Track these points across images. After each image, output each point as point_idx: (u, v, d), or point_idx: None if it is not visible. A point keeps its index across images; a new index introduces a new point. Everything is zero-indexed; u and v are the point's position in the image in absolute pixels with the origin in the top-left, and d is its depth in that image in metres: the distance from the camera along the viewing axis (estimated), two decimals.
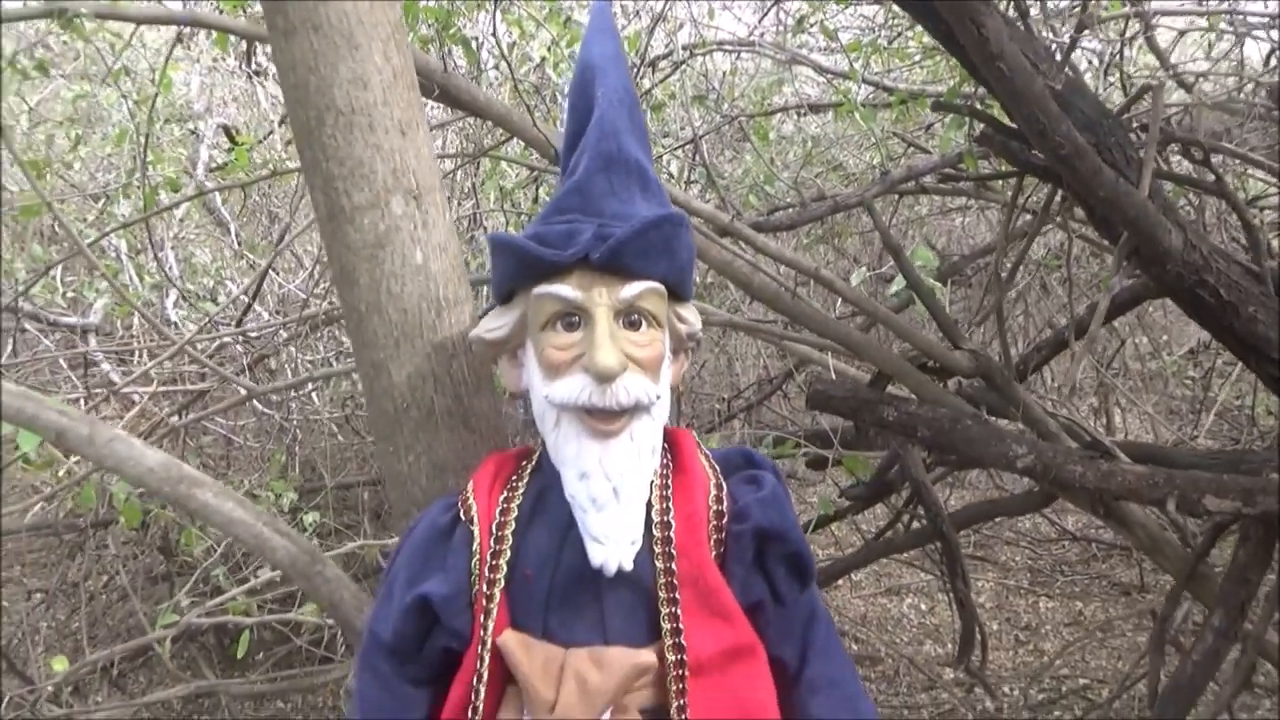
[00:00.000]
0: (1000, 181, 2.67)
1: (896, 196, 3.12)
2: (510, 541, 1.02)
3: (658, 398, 1.01)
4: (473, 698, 1.01)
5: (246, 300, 3.23)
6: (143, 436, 3.05)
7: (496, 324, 1.05)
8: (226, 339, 2.71)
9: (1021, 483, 4.00)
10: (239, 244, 3.86)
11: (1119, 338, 4.09)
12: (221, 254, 4.15)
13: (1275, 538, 1.55)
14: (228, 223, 4.12)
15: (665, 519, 1.02)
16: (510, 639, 1.00)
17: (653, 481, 1.03)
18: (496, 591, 1.01)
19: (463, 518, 1.05)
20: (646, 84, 3.06)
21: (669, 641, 1.00)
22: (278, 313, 3.19)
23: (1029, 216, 2.62)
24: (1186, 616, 2.95)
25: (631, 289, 0.99)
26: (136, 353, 3.28)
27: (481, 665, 1.00)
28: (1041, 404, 1.98)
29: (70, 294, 3.56)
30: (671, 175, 3.76)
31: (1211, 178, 1.60)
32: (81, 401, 3.13)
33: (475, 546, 1.03)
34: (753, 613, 1.05)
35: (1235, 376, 4.65)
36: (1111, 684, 3.86)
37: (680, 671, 0.99)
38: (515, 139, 2.17)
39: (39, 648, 3.60)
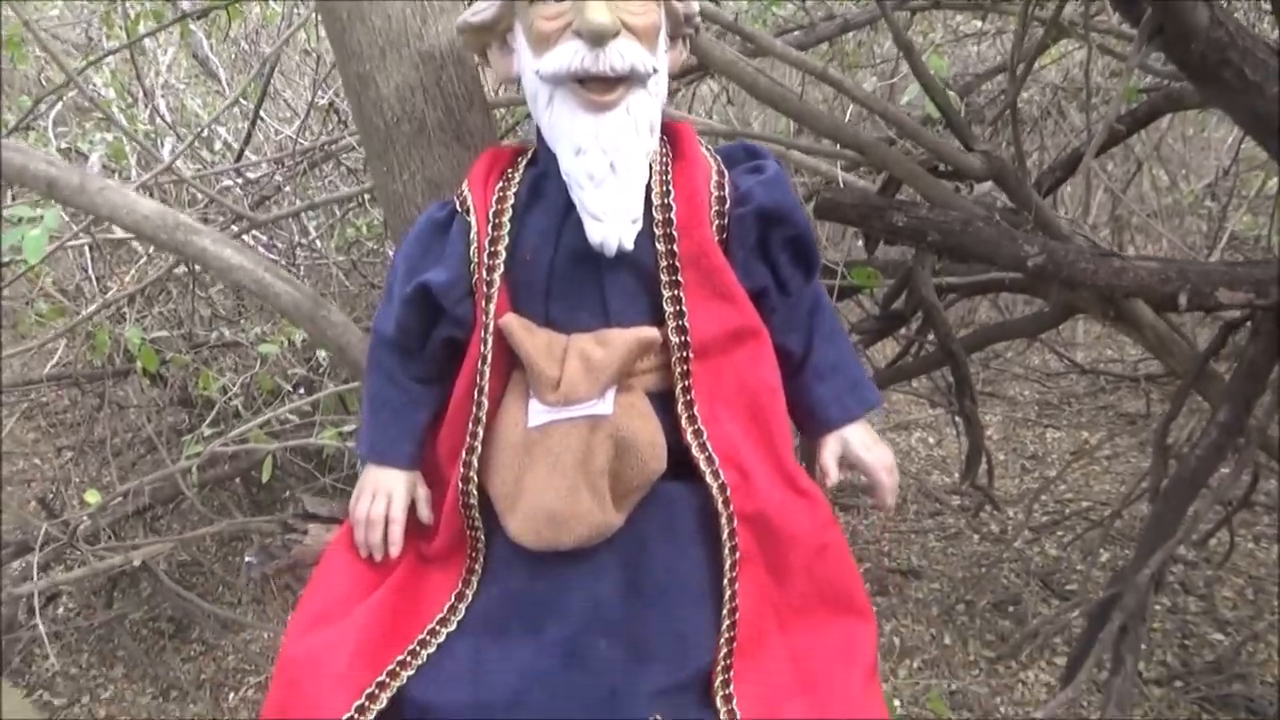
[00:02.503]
0: None
1: (909, 15, 2.98)
2: (508, 228, 1.02)
3: (654, 70, 0.97)
4: (477, 379, 1.02)
5: (239, 146, 3.16)
6: (138, 288, 3.05)
7: (483, 6, 1.01)
8: (226, 182, 2.67)
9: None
10: (229, 89, 3.75)
11: (1136, 161, 3.98)
12: (213, 103, 4.05)
13: None
14: (217, 71, 4.00)
15: (666, 201, 1.00)
16: (512, 320, 1.01)
17: (652, 165, 1.01)
18: (496, 277, 1.01)
19: (459, 209, 1.05)
20: None
21: (672, 324, 1.00)
22: (275, 163, 3.13)
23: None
24: (1190, 435, 3.00)
25: None
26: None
27: (485, 348, 1.01)
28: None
29: (64, 145, 3.49)
30: None
31: None
32: (87, 251, 3.12)
33: (473, 234, 1.03)
34: (756, 300, 1.05)
35: (1252, 207, 4.57)
36: (1114, 507, 3.97)
37: (684, 354, 1.00)
38: None
39: (73, 498, 3.72)
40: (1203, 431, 1.62)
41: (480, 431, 1.03)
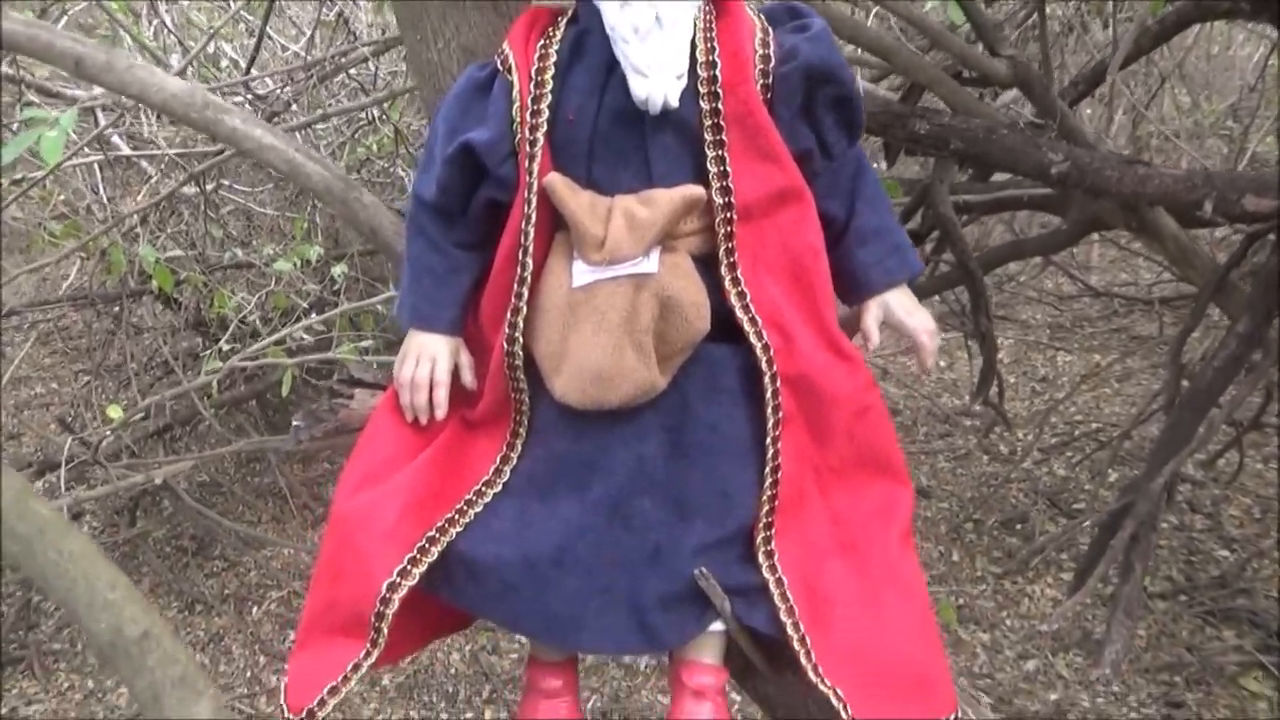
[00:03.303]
0: None
1: None
2: (550, 86, 1.01)
3: None
4: (522, 240, 1.02)
5: (246, 62, 3.11)
6: (158, 207, 3.04)
7: None
8: (236, 98, 2.64)
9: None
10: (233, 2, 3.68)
11: (1160, 77, 3.89)
12: (217, 17, 3.97)
13: None
14: None
15: (710, 58, 0.98)
16: (557, 179, 1.00)
17: (696, 21, 0.99)
18: (540, 136, 1.00)
19: (500, 69, 1.04)
20: None
21: (716, 185, 1.00)
22: (285, 77, 3.08)
23: None
24: (1204, 354, 3.00)
25: None
26: (145, 124, 3.20)
27: (529, 208, 1.01)
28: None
29: None
30: None
31: None
32: (97, 170, 3.10)
33: (515, 93, 1.02)
34: (800, 163, 1.04)
35: (1274, 129, 4.48)
36: (1124, 428, 3.99)
37: (728, 215, 1.00)
38: None
39: (92, 420, 3.76)
40: (1220, 343, 1.62)
41: (525, 293, 1.04)
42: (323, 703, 1.02)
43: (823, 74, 1.02)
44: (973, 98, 1.66)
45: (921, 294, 3.72)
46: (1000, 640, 3.19)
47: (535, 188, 1.01)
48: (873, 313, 1.11)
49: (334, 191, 1.31)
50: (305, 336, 2.45)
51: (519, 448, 1.07)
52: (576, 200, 0.99)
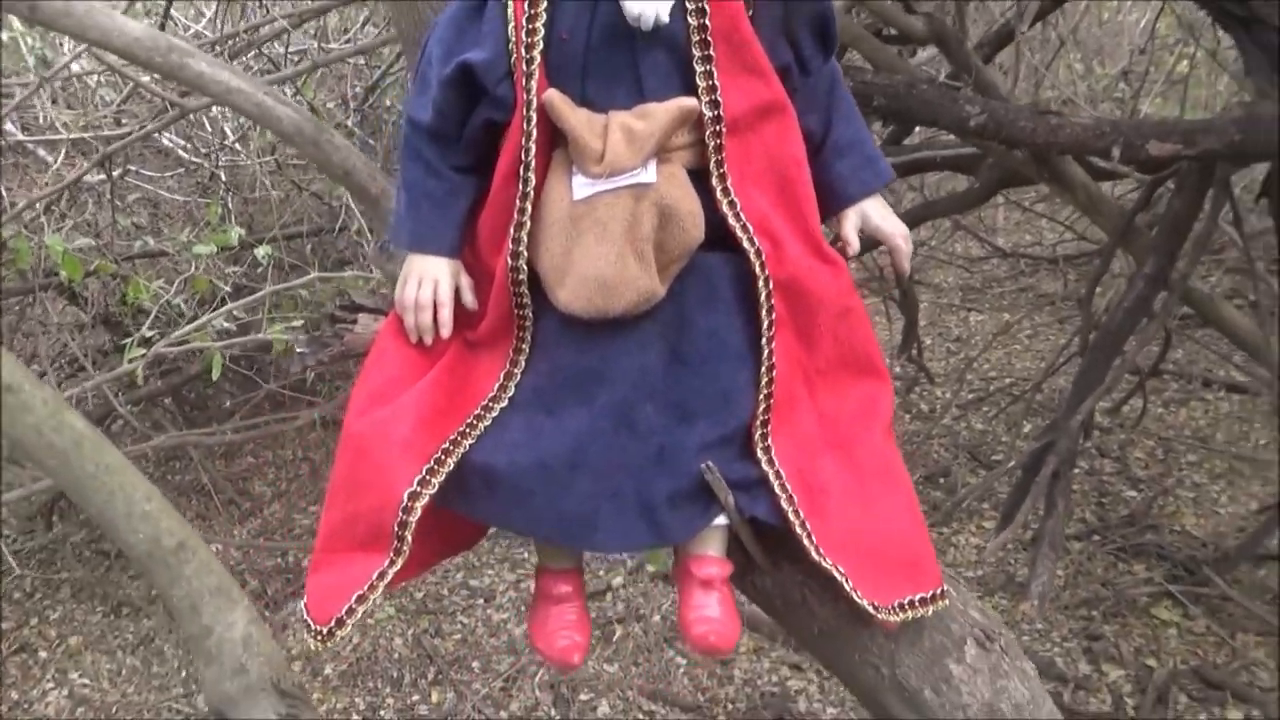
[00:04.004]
0: None
1: None
2: (544, 5, 1.03)
3: None
4: (523, 155, 1.05)
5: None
6: (66, 198, 2.91)
7: None
8: (144, 78, 2.54)
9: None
10: None
11: (1059, 40, 4.05)
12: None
13: (1209, 185, 1.63)
14: None
15: None
16: (555, 96, 1.03)
17: None
18: (536, 54, 1.03)
19: None
20: None
21: (705, 99, 1.03)
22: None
23: None
24: (1108, 305, 3.15)
25: None
26: (40, 108, 3.06)
27: (529, 125, 1.04)
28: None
29: None
30: None
31: None
32: None
33: (510, 14, 1.04)
34: (780, 78, 1.07)
35: (1161, 91, 4.70)
36: (1035, 381, 4.16)
37: (717, 128, 1.04)
38: None
39: None
40: (1128, 284, 1.71)
41: (528, 208, 1.06)
42: (351, 611, 1.04)
43: None
44: (893, 55, 1.72)
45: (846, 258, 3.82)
46: None
47: (534, 105, 1.03)
48: (851, 220, 1.16)
49: (305, 133, 1.30)
50: (227, 324, 2.38)
51: (522, 363, 1.10)
52: (575, 116, 1.02)
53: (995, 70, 4.85)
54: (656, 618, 3.14)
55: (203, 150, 3.06)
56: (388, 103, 3.17)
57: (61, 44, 3.18)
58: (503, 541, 3.68)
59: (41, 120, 3.06)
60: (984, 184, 2.53)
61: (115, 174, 2.82)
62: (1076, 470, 3.93)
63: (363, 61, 3.12)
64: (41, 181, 2.97)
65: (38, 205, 2.49)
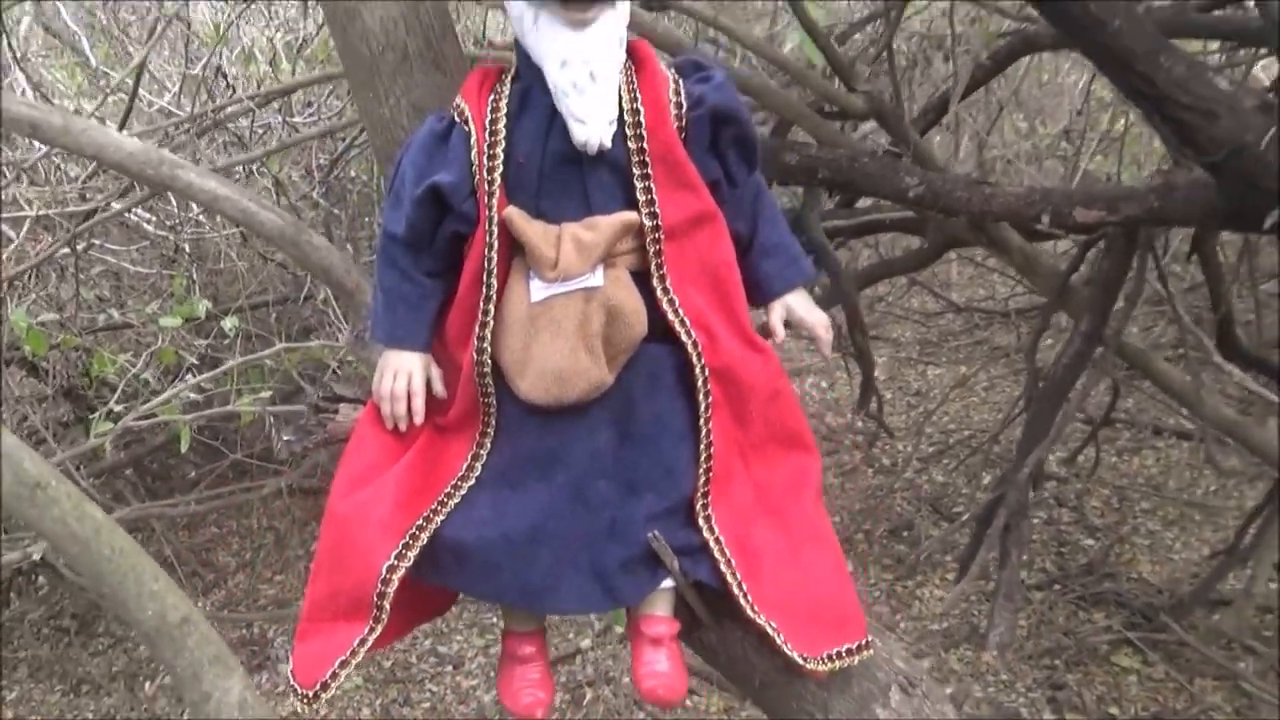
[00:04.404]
0: None
1: None
2: (503, 134, 1.17)
3: None
4: (486, 264, 1.18)
5: (115, 125, 3.04)
6: (27, 269, 2.92)
7: None
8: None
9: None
10: (94, 64, 3.59)
11: (998, 105, 4.23)
12: (74, 74, 3.86)
13: (1134, 248, 1.73)
14: (77, 41, 3.81)
15: (634, 106, 1.17)
16: (513, 212, 1.16)
17: (621, 76, 1.17)
18: (497, 176, 1.17)
19: (458, 120, 1.20)
20: None
21: (645, 211, 1.17)
22: (164, 132, 3.02)
23: None
24: (1055, 357, 3.26)
25: None
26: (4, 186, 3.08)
27: (491, 237, 1.17)
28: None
29: None
30: None
31: None
32: None
33: (473, 141, 1.18)
34: (711, 191, 1.21)
35: (1101, 148, 4.91)
36: (992, 433, 4.26)
37: (656, 235, 1.18)
38: None
39: None
40: (1067, 340, 1.80)
41: (491, 309, 1.19)
42: (334, 675, 1.16)
43: (725, 117, 1.21)
44: (835, 130, 1.81)
45: None
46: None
47: (496, 220, 1.17)
48: (778, 312, 1.29)
49: (287, 235, 1.42)
50: (194, 395, 2.40)
51: (488, 445, 1.22)
52: (531, 229, 1.15)
53: (943, 131, 5.05)
54: (626, 679, 3.14)
55: (168, 223, 3.10)
56: (352, 174, 3.24)
57: None
58: (470, 607, 3.66)
59: (4, 197, 3.08)
60: (932, 244, 2.64)
61: (80, 247, 2.84)
62: (1036, 520, 4.02)
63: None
64: (4, 256, 2.98)
65: (3, 283, 2.50)
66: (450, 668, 3.36)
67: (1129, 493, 4.09)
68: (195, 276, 3.32)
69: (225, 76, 2.81)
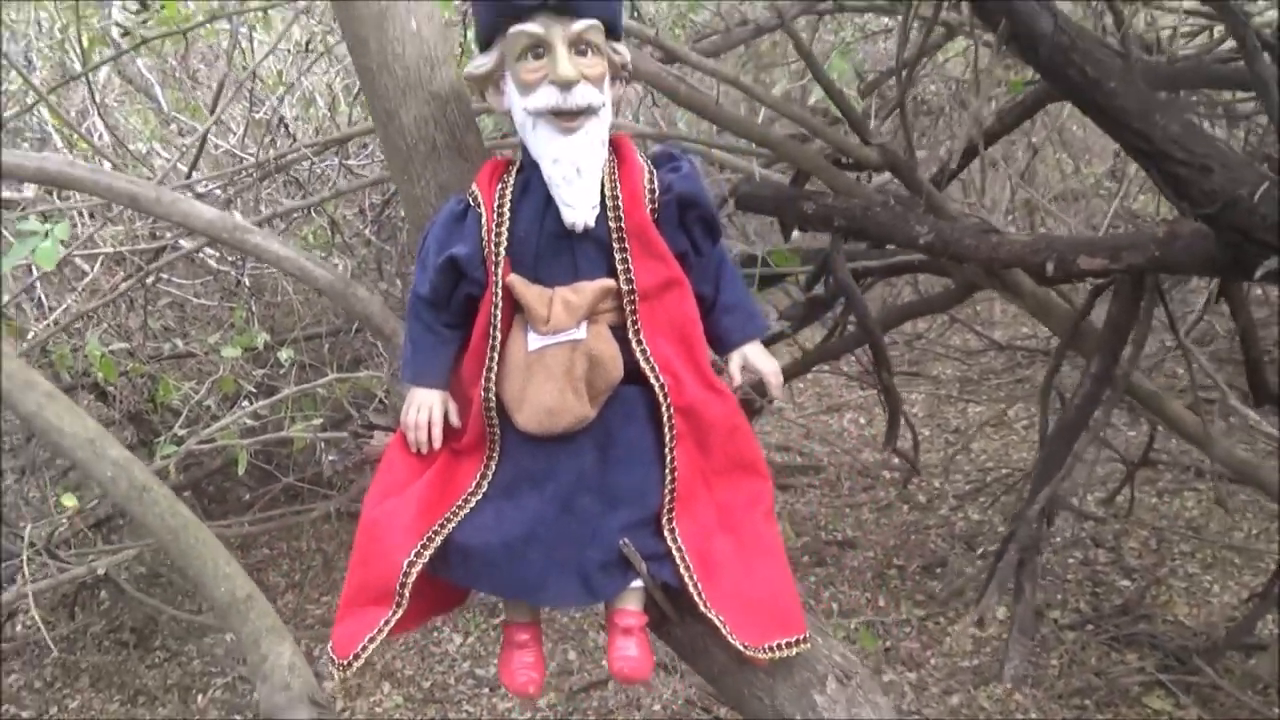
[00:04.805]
0: None
1: (817, 18, 3.21)
2: (508, 215, 1.43)
3: (603, 104, 1.40)
4: (493, 320, 1.44)
5: (188, 164, 3.26)
6: (104, 303, 3.13)
7: (481, 62, 1.43)
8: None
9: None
10: (167, 109, 3.83)
11: (1033, 149, 4.28)
12: (147, 119, 4.11)
13: (1141, 293, 1.79)
14: (151, 88, 4.06)
15: (614, 193, 1.43)
16: (515, 279, 1.42)
17: (604, 167, 1.43)
18: (502, 250, 1.43)
19: (472, 204, 1.46)
20: None
21: (622, 278, 1.41)
22: (228, 177, 3.22)
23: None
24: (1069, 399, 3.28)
25: (580, 24, 1.35)
26: (78, 217, 3.29)
27: (497, 299, 1.43)
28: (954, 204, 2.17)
29: None
30: None
31: None
32: (32, 270, 3.18)
33: (484, 221, 1.44)
34: (680, 260, 1.46)
35: (1148, 188, 4.92)
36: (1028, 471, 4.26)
37: (631, 298, 1.42)
38: None
39: (26, 522, 3.75)
40: (1079, 382, 1.86)
41: (496, 356, 1.44)
42: (365, 648, 1.39)
43: (690, 201, 1.44)
44: (850, 180, 1.91)
45: (832, 355, 3.99)
46: (926, 678, 3.36)
47: (501, 285, 1.41)
48: (735, 361, 1.53)
49: (336, 288, 1.68)
50: (250, 421, 2.56)
51: (493, 466, 1.47)
52: (529, 292, 1.40)
53: (992, 169, 5.09)
54: (657, 706, 3.21)
55: (229, 259, 3.29)
56: (402, 214, 3.40)
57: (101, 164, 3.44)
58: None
59: (80, 233, 3.30)
60: (959, 285, 2.71)
61: (149, 281, 3.03)
62: (1071, 560, 4.01)
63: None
64: (80, 288, 3.20)
65: (76, 312, 2.70)
66: (487, 690, 3.46)
67: (1168, 534, 4.06)
68: (254, 309, 3.50)
69: (286, 125, 2.99)
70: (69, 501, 2.20)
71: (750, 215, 3.49)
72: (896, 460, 4.74)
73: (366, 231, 3.35)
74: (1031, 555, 1.86)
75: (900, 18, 1.95)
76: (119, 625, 3.77)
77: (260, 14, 2.99)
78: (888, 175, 2.30)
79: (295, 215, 3.21)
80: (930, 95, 4.48)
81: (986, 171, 2.15)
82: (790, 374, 4.10)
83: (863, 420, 5.73)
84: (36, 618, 2.13)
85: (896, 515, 4.59)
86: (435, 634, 3.93)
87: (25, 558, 2.45)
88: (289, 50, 3.62)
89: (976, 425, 5.22)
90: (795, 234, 2.92)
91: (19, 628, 3.86)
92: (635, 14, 3.20)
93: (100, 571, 2.99)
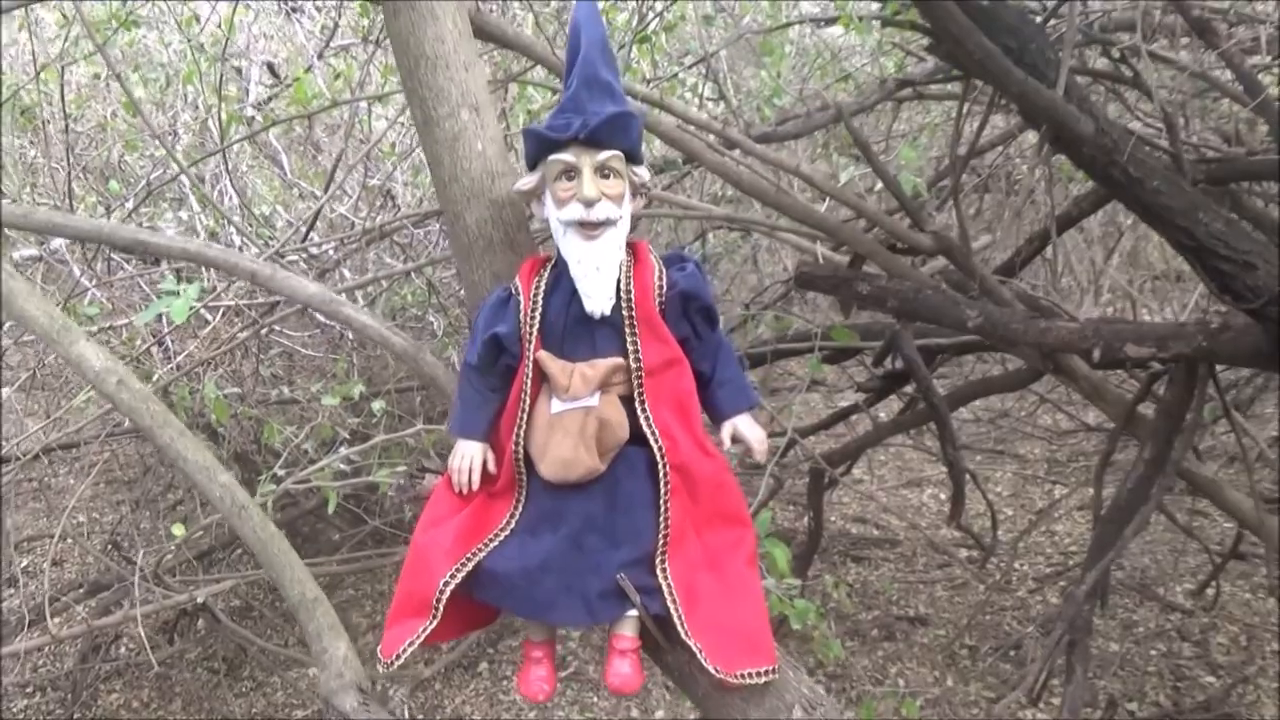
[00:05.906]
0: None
1: (895, 105, 3.33)
2: (541, 303, 1.72)
3: (620, 217, 1.69)
4: (524, 387, 1.72)
5: (305, 228, 3.54)
6: (222, 351, 3.41)
7: (527, 180, 1.73)
8: (291, 257, 3.05)
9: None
10: (290, 174, 4.16)
11: (1119, 231, 4.28)
12: (272, 183, 4.46)
13: (1195, 381, 1.81)
14: (277, 154, 4.43)
15: (629, 287, 1.71)
16: (543, 355, 1.70)
17: (621, 266, 1.71)
18: (534, 331, 1.71)
19: (514, 293, 1.76)
20: (659, 6, 3.27)
21: (632, 356, 1.68)
22: (340, 241, 3.49)
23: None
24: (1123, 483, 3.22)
25: (604, 154, 1.65)
26: (205, 274, 3.61)
27: (528, 369, 1.72)
28: (1030, 290, 2.23)
29: (143, 222, 3.90)
30: (690, 92, 4.00)
31: (1130, 73, 1.82)
32: (163, 319, 3.49)
33: (521, 307, 1.73)
34: (682, 343, 1.72)
35: None
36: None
37: (639, 373, 1.68)
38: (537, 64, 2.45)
39: (138, 551, 4.04)
40: (1132, 466, 1.89)
41: (525, 417, 1.71)
42: (405, 650, 1.66)
43: (692, 296, 1.71)
44: (904, 264, 2.00)
45: (902, 428, 4.02)
46: None
47: (532, 359, 1.69)
48: (726, 429, 1.78)
49: (409, 353, 1.98)
50: (343, 466, 2.75)
51: (520, 507, 1.74)
52: (554, 365, 1.68)
53: (1094, 244, 5.05)
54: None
55: None
56: None
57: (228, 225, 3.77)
58: (573, 685, 3.86)
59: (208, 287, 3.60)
60: (1029, 366, 2.75)
61: (263, 333, 3.30)
62: (1153, 652, 3.89)
63: None
64: (202, 336, 3.49)
65: (198, 357, 2.97)
66: None
67: (1260, 632, 3.91)
68: (354, 360, 3.75)
69: (393, 196, 3.25)
70: (178, 530, 2.42)
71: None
72: (953, 526, 4.69)
73: (460, 294, 3.57)
74: (1082, 636, 1.87)
75: (954, 115, 2.06)
76: (212, 654, 4.00)
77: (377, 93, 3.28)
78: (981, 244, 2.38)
79: (397, 277, 3.46)
80: (1012, 171, 4.54)
81: (1070, 255, 2.20)
82: (864, 444, 4.14)
83: (943, 496, 5.68)
84: (142, 636, 2.33)
85: (971, 594, 4.52)
86: (504, 682, 4.04)
87: (136, 581, 2.68)
88: (403, 122, 3.93)
89: (1063, 508, 5.11)
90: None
91: (122, 649, 4.13)
92: (720, 97, 3.38)
93: (200, 600, 3.22)
